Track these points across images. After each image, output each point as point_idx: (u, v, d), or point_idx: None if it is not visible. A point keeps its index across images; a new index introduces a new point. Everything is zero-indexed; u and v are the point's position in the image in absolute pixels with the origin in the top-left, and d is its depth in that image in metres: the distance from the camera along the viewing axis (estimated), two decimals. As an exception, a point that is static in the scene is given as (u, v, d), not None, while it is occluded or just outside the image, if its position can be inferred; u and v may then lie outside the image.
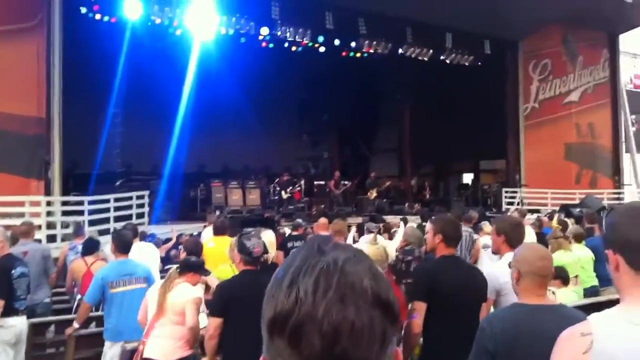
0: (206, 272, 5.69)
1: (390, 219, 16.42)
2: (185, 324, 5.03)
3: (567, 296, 6.94)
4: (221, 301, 4.53)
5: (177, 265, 5.42)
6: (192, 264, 5.40)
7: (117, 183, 17.57)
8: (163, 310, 5.06)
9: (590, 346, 1.71)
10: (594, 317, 1.80)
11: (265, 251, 4.73)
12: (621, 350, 1.68)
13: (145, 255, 7.93)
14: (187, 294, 5.14)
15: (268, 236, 5.92)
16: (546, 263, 3.04)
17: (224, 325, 4.48)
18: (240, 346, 4.29)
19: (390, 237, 10.05)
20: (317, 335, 0.88)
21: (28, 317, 6.70)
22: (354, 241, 9.03)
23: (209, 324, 4.60)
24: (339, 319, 0.88)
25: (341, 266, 0.92)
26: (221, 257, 6.65)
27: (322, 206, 20.00)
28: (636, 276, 1.74)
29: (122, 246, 6.28)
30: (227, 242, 6.65)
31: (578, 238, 8.51)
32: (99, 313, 6.53)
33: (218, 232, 8.26)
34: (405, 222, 13.91)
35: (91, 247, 8.10)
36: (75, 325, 6.24)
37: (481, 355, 2.80)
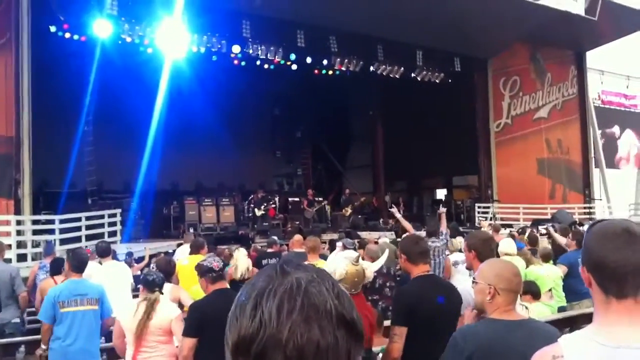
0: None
1: (365, 235, 16.46)
2: (171, 341, 4.98)
3: (539, 311, 6.99)
4: (195, 321, 4.47)
5: (149, 288, 5.24)
6: (155, 282, 5.24)
7: (89, 201, 17.38)
8: (147, 333, 4.95)
9: None
10: (564, 338, 1.80)
11: (226, 264, 4.71)
12: None
13: (116, 273, 7.83)
14: (171, 312, 5.08)
15: (240, 253, 5.88)
16: (520, 279, 3.09)
17: (198, 345, 4.43)
18: None
19: (369, 256, 10.07)
20: (282, 357, 0.87)
21: (-2, 338, 6.58)
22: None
23: (183, 344, 4.53)
24: (304, 340, 0.87)
25: (305, 287, 0.92)
26: (194, 275, 6.58)
27: (297, 223, 19.98)
28: (606, 299, 1.75)
29: (77, 266, 6.15)
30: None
31: (545, 258, 8.55)
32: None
33: (193, 251, 8.20)
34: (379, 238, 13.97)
35: (59, 266, 7.98)
36: (43, 346, 6.12)
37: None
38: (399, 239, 13.68)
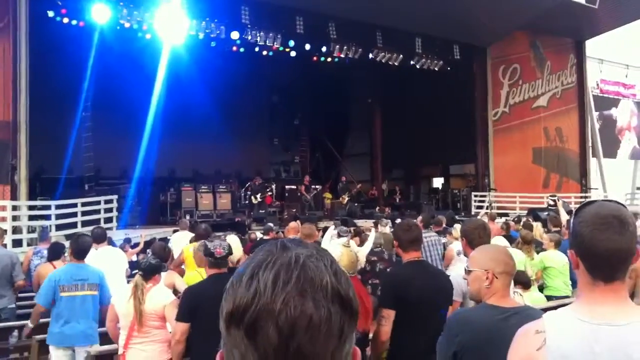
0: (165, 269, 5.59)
1: (361, 223, 16.49)
2: (165, 327, 4.99)
3: (534, 298, 7.02)
4: (188, 306, 4.47)
5: (139, 271, 5.27)
6: (154, 267, 5.27)
7: (86, 187, 17.38)
8: (143, 320, 4.97)
9: (544, 343, 1.75)
10: (547, 315, 1.84)
11: (229, 252, 4.69)
12: (571, 345, 1.72)
13: (111, 259, 7.84)
14: (163, 297, 5.08)
15: (232, 239, 5.87)
16: (514, 262, 3.08)
17: (191, 329, 4.45)
18: (207, 351, 4.25)
19: (362, 242, 10.09)
20: (274, 328, 0.87)
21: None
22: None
23: (175, 329, 4.55)
24: (297, 312, 0.88)
25: (303, 261, 0.93)
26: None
27: (294, 210, 20.00)
28: (593, 281, 1.78)
29: (78, 251, 6.18)
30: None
31: (557, 244, 8.58)
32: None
33: (199, 238, 8.15)
34: (376, 225, 13.98)
35: (57, 251, 8.00)
36: (30, 325, 6.17)
37: (449, 354, 2.81)
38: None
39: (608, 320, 1.72)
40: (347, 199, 22.13)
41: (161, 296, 5.08)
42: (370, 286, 6.81)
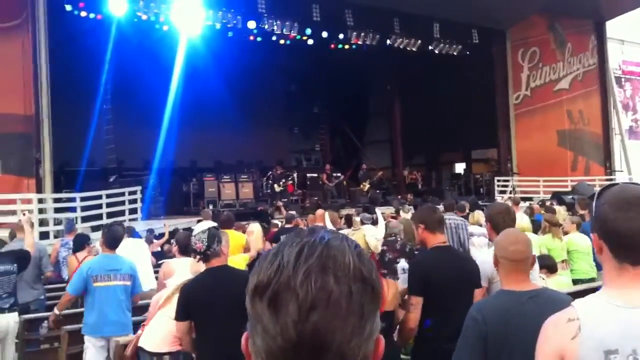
0: None
1: (383, 210, 16.45)
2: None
3: (559, 282, 6.95)
4: (182, 305, 4.36)
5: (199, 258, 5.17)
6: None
7: (111, 179, 17.51)
8: (169, 301, 4.99)
9: (578, 331, 1.70)
10: (578, 302, 1.79)
11: (211, 242, 4.60)
12: (609, 333, 1.67)
13: (134, 251, 7.90)
14: None
15: (255, 227, 5.85)
16: (519, 247, 2.98)
17: (194, 326, 4.40)
18: (205, 344, 4.26)
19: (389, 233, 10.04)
20: (294, 301, 0.88)
21: (22, 314, 6.68)
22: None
23: (176, 328, 4.54)
24: (318, 286, 0.88)
25: (327, 241, 0.93)
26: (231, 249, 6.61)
27: (316, 198, 20.02)
28: (619, 265, 1.74)
29: (111, 241, 6.21)
30: (232, 235, 6.62)
31: (579, 226, 8.51)
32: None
33: (224, 225, 8.17)
34: (398, 212, 13.95)
35: (81, 242, 8.08)
36: (56, 311, 6.23)
37: (475, 344, 2.78)
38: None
39: None
40: (367, 186, 22.09)
41: None
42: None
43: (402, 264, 7.10)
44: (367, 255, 0.97)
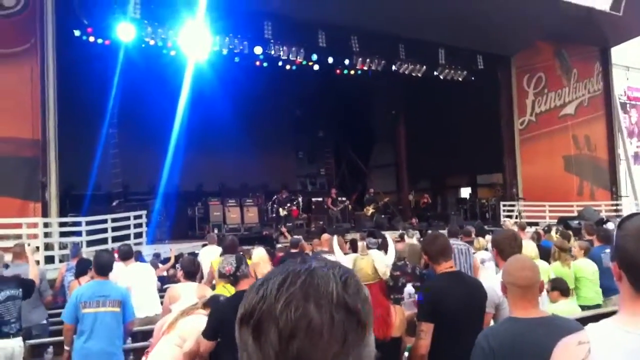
0: None
1: (389, 234, 16.40)
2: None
3: (568, 310, 6.88)
4: (214, 324, 4.43)
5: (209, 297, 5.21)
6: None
7: (115, 203, 17.55)
8: (172, 328, 4.98)
9: (588, 354, 1.71)
10: (590, 326, 1.81)
11: (239, 265, 4.64)
12: (617, 356, 1.68)
13: (140, 275, 7.89)
14: (199, 324, 5.04)
15: (258, 252, 5.83)
16: (527, 273, 2.97)
17: (218, 346, 4.42)
18: None
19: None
20: (275, 329, 0.88)
21: (24, 339, 6.65)
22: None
23: (201, 345, 4.52)
24: (298, 314, 0.88)
25: (312, 269, 0.94)
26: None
27: (321, 223, 19.99)
28: (636, 293, 1.75)
29: (99, 268, 6.19)
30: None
31: (587, 252, 8.47)
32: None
33: (228, 250, 8.17)
34: (403, 237, 13.89)
35: (85, 267, 8.05)
36: (66, 348, 6.16)
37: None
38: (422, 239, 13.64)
39: None
40: (372, 210, 22.07)
41: (197, 322, 4.97)
42: (392, 300, 6.74)
43: (409, 288, 7.07)
44: (357, 285, 0.97)
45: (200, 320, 5.07)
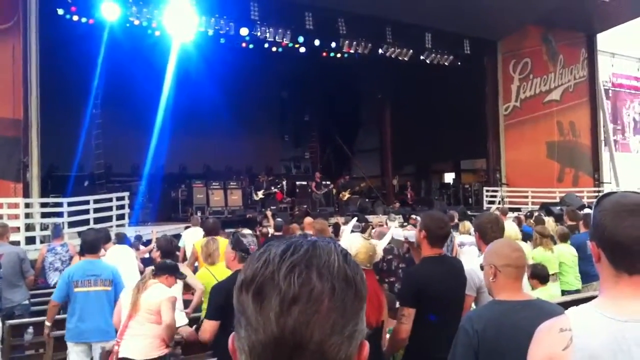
0: (181, 275, 5.60)
1: (372, 218, 16.46)
2: (161, 322, 4.97)
3: (550, 294, 6.93)
4: (218, 303, 4.35)
5: (152, 267, 5.36)
6: (167, 266, 5.34)
7: (97, 184, 17.43)
8: (136, 308, 5.01)
9: (570, 342, 1.67)
10: (571, 312, 1.76)
11: (258, 245, 4.67)
12: (601, 345, 1.65)
13: (120, 257, 7.85)
14: (162, 293, 5.08)
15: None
16: (520, 254, 3.00)
17: (221, 327, 4.36)
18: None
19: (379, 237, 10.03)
20: (277, 294, 0.89)
21: (6, 319, 6.61)
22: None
23: (204, 327, 4.47)
24: (300, 281, 0.90)
25: (314, 242, 0.97)
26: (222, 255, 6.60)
27: (304, 206, 19.98)
28: (616, 273, 1.71)
29: (88, 247, 6.20)
30: (221, 241, 6.63)
31: (563, 237, 8.52)
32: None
33: (211, 232, 8.12)
34: (386, 223, 13.95)
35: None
36: (47, 323, 6.18)
37: (465, 355, 2.76)
38: (405, 223, 13.70)
39: (635, 316, 1.65)
40: (347, 195, 22.07)
41: (160, 292, 5.09)
42: (387, 284, 6.76)
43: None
44: (354, 262, 0.98)
45: (160, 288, 5.11)
